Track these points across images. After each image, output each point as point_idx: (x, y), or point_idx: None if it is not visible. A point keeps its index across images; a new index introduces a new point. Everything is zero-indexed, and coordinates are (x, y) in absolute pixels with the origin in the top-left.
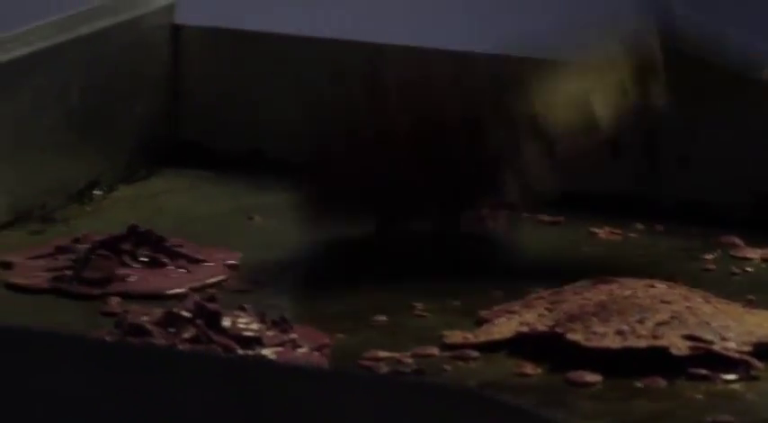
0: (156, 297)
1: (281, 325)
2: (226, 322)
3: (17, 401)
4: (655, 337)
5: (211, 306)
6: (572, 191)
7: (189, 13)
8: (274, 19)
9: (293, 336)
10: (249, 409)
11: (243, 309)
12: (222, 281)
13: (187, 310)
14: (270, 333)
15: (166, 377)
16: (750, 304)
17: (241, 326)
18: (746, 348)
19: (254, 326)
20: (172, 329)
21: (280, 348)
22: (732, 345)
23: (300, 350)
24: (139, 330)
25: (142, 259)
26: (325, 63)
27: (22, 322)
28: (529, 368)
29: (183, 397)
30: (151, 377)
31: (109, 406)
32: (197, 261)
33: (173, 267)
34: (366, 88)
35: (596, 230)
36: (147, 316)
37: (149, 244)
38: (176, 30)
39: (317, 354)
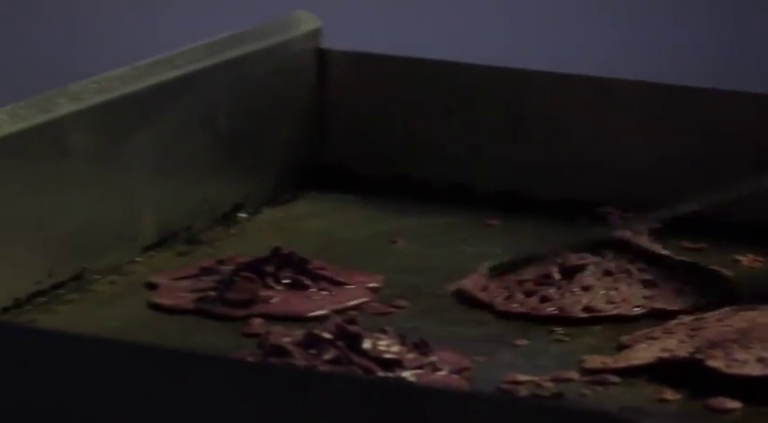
0: (297, 319)
1: (422, 347)
2: (366, 344)
3: (162, 420)
4: None
5: (352, 328)
6: (715, 218)
7: (335, 37)
8: (420, 44)
9: (433, 358)
10: None
11: (384, 331)
12: (363, 303)
13: (328, 332)
14: (410, 355)
15: (307, 398)
16: None
17: (382, 348)
18: None
19: (395, 348)
20: (313, 351)
21: (419, 371)
22: None
23: (440, 373)
24: (280, 351)
25: (285, 281)
26: (471, 89)
27: (166, 342)
28: (669, 394)
29: (323, 418)
30: (292, 398)
31: None
32: (339, 283)
33: (315, 290)
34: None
35: (739, 257)
36: (288, 337)
37: (292, 266)
38: (322, 54)
39: (456, 377)
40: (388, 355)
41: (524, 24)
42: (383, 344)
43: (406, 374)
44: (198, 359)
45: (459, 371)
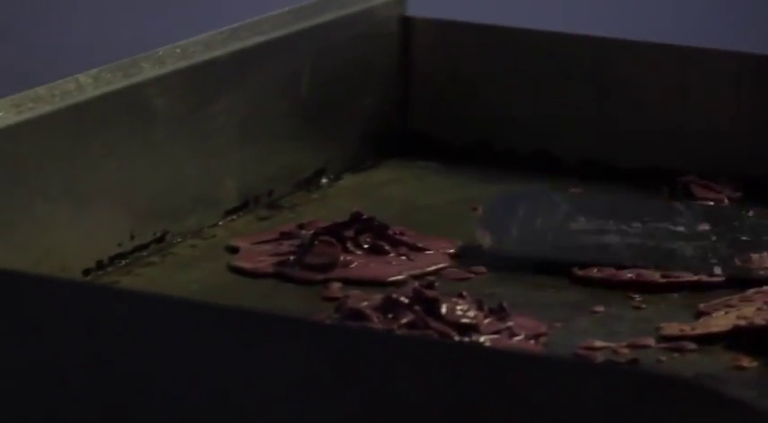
0: (376, 283)
1: (499, 313)
2: (443, 309)
3: (239, 381)
4: None
5: (430, 293)
6: None
7: (419, 4)
8: (504, 13)
9: (510, 324)
10: (465, 395)
11: (461, 296)
12: (442, 269)
13: (406, 296)
14: (487, 320)
15: (383, 361)
16: None
17: (459, 313)
18: None
19: (472, 313)
20: (390, 315)
21: (496, 336)
22: None
23: (517, 338)
24: (358, 315)
25: (364, 246)
26: (556, 57)
27: (246, 306)
28: (745, 361)
29: (400, 381)
30: (369, 360)
31: (328, 388)
32: (418, 249)
33: (394, 255)
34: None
35: None
36: (366, 301)
37: (372, 231)
38: (406, 21)
39: (533, 342)
40: (464, 320)
41: None
42: (460, 308)
43: (483, 339)
44: (276, 321)
45: (535, 336)
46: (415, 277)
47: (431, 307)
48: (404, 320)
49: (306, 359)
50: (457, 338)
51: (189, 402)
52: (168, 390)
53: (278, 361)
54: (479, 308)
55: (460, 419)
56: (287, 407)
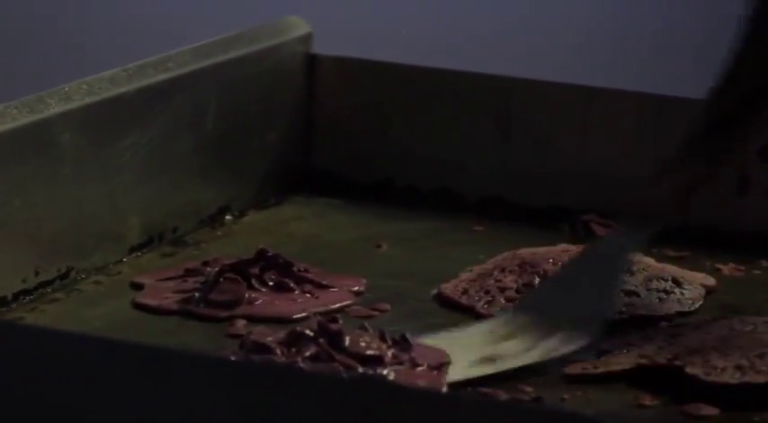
0: (281, 321)
1: (401, 343)
2: (347, 341)
3: (144, 417)
4: None
5: (334, 326)
6: (699, 226)
7: (325, 43)
8: (409, 51)
9: (413, 354)
10: None
11: (364, 328)
12: (347, 306)
13: (310, 329)
14: (390, 352)
15: (288, 395)
16: None
17: (362, 344)
18: None
19: (375, 344)
20: (294, 349)
21: (399, 367)
22: None
23: (420, 369)
24: (262, 349)
25: (269, 283)
26: (459, 96)
27: (150, 342)
28: (647, 399)
29: (305, 416)
30: (274, 395)
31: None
32: (323, 286)
33: (299, 292)
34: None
35: (720, 266)
36: (270, 336)
37: (277, 268)
38: (312, 59)
39: (435, 373)
40: (368, 352)
41: (513, 31)
42: (363, 340)
43: (387, 371)
44: (181, 357)
45: (438, 366)
46: (320, 314)
47: (334, 339)
48: (308, 353)
49: (211, 396)
50: (361, 370)
51: None
52: None
53: (183, 398)
54: (382, 339)
55: None
56: None
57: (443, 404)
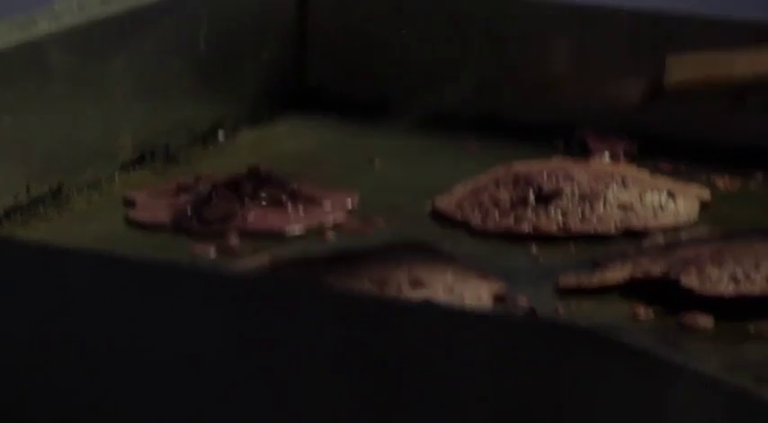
0: (273, 235)
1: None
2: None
3: (136, 330)
4: None
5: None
6: (695, 140)
7: None
8: None
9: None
10: (361, 344)
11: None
12: (340, 221)
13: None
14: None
15: (278, 310)
16: None
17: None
18: None
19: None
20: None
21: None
22: None
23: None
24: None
25: (262, 199)
26: (453, 13)
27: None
28: (642, 311)
29: (294, 330)
30: (264, 309)
31: (224, 337)
32: (315, 201)
33: (291, 207)
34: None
35: (716, 179)
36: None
37: (269, 184)
38: None
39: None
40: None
41: None
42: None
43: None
44: (174, 271)
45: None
46: (313, 229)
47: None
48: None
49: (203, 309)
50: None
51: (85, 351)
52: (65, 340)
53: (175, 311)
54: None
55: (357, 368)
56: (184, 356)
57: (438, 318)
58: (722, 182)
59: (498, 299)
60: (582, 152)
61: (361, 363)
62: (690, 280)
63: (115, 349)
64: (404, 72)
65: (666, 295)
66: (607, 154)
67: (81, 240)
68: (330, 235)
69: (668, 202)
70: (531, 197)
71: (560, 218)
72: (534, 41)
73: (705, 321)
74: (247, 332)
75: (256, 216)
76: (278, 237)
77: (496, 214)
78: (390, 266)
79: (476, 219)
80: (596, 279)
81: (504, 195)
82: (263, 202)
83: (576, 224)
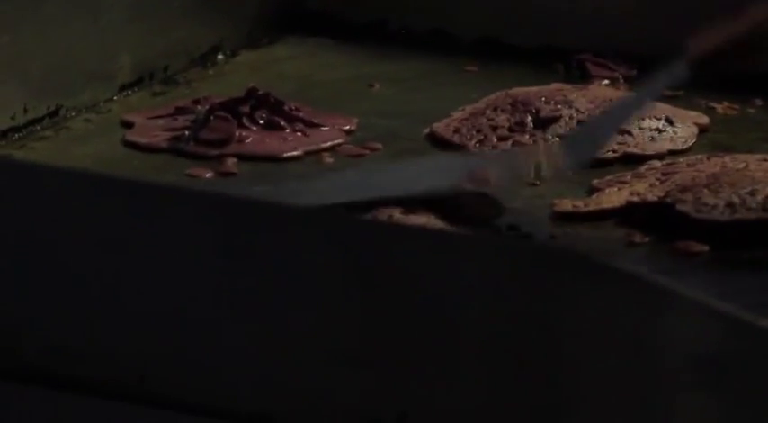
0: (271, 159)
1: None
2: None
3: (134, 252)
4: (765, 210)
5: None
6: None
7: None
8: None
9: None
10: (357, 268)
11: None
12: (337, 145)
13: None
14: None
15: (277, 234)
16: None
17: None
18: None
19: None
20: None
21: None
22: None
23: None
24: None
25: (260, 122)
26: None
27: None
28: (637, 237)
29: (292, 254)
30: (260, 231)
31: (220, 260)
32: (314, 125)
33: (289, 131)
34: None
35: (714, 105)
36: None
37: (268, 107)
38: None
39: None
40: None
41: None
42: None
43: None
44: (168, 193)
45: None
46: (311, 153)
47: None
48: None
49: (199, 231)
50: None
51: (82, 274)
52: (64, 261)
53: (171, 233)
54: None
55: (352, 292)
56: (181, 278)
57: (434, 241)
58: (720, 107)
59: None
60: (581, 77)
61: (355, 288)
62: (685, 206)
63: (110, 272)
64: None
65: (662, 222)
66: (606, 79)
67: (78, 162)
68: (327, 159)
69: (666, 127)
70: (529, 122)
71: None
72: None
73: (700, 248)
74: (241, 254)
75: (254, 140)
76: (275, 160)
77: (494, 139)
78: None
79: (473, 143)
80: (592, 204)
81: (502, 120)
82: (261, 125)
83: None
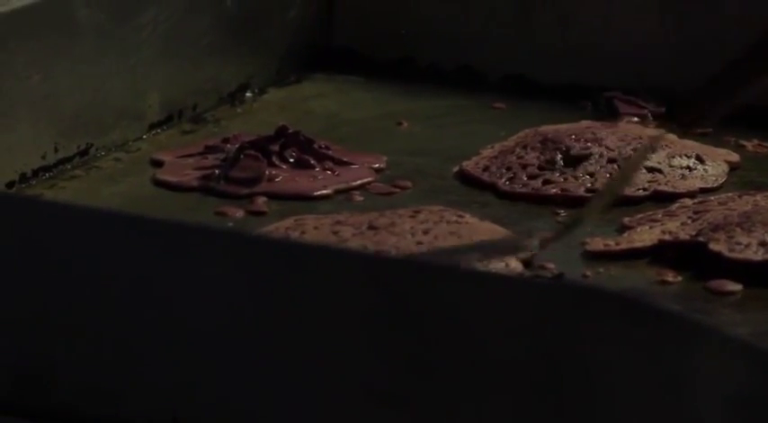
0: (301, 198)
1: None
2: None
3: (163, 291)
4: None
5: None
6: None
7: None
8: None
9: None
10: (395, 306)
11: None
12: (367, 183)
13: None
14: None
15: (306, 271)
16: None
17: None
18: None
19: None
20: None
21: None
22: None
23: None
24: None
25: (290, 160)
26: None
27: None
28: (670, 276)
29: (330, 294)
30: (290, 271)
31: (251, 300)
32: (343, 163)
33: (319, 169)
34: None
35: (744, 143)
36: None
37: (297, 145)
38: None
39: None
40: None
41: None
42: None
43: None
44: (199, 233)
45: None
46: (340, 191)
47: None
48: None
49: (229, 272)
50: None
51: (113, 313)
52: (94, 300)
53: (201, 274)
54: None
55: (386, 333)
56: (215, 319)
57: (467, 281)
58: (750, 145)
59: (526, 263)
60: (610, 115)
61: (391, 327)
62: (718, 245)
63: (140, 311)
64: (431, 32)
65: (694, 260)
66: (635, 116)
67: (108, 201)
68: (357, 197)
69: (696, 165)
70: (559, 159)
71: (588, 181)
72: (563, 1)
73: (733, 287)
74: (275, 295)
75: (284, 178)
76: (305, 199)
77: (524, 177)
78: None
79: (503, 181)
80: (624, 243)
81: (532, 158)
82: (291, 164)
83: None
